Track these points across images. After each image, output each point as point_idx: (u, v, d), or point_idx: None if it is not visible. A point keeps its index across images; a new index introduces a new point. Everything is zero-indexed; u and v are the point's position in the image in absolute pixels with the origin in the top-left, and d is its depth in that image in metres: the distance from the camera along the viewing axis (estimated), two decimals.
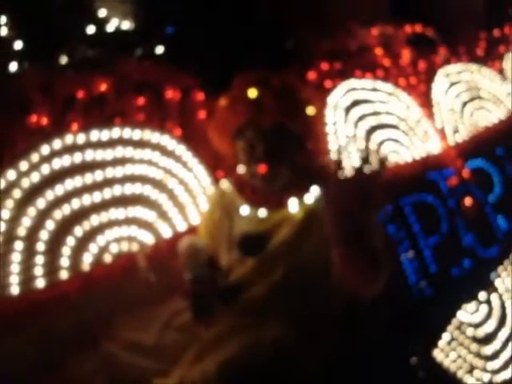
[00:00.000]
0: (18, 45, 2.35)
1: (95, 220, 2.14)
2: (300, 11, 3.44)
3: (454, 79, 3.97)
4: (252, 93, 2.11)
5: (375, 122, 3.04)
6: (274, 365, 2.00)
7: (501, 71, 4.69)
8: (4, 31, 2.37)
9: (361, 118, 2.95)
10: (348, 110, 2.91)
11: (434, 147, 3.46)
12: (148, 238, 2.32)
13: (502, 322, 3.08)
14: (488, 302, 3.10)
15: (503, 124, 4.15)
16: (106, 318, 2.18)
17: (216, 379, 1.92)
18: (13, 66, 2.27)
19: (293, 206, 2.19)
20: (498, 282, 3.24)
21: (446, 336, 2.65)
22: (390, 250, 2.48)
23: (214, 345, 2.06)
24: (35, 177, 1.99)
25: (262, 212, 2.21)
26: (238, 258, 2.19)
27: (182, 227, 2.41)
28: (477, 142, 3.80)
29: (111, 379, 2.15)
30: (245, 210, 2.22)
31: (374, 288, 1.99)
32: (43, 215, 2.01)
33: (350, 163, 2.72)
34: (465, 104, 3.93)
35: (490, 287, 3.17)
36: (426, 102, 3.60)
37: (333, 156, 2.68)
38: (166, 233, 2.37)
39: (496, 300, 3.14)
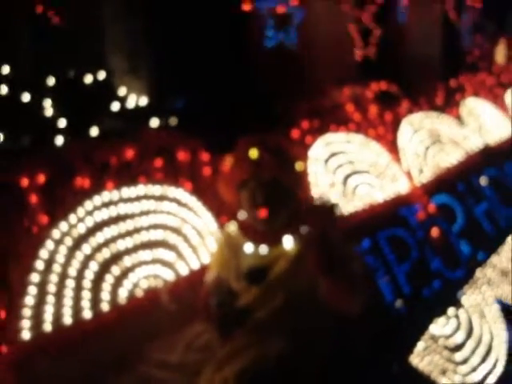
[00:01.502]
0: (62, 122, 2.87)
1: (128, 261, 2.63)
2: (284, 81, 4.04)
3: (417, 127, 4.59)
4: (253, 153, 2.66)
5: (350, 169, 3.61)
6: (279, 371, 2.48)
7: (458, 117, 5.35)
8: (50, 112, 2.90)
9: (338, 167, 3.52)
10: (326, 160, 3.48)
11: (403, 187, 4.03)
12: (169, 275, 2.81)
13: (469, 333, 3.59)
14: (456, 316, 3.61)
15: (462, 163, 4.77)
16: (138, 342, 2.64)
17: (236, 379, 2.39)
18: (59, 140, 2.80)
19: (287, 242, 2.71)
20: (464, 300, 3.76)
21: (420, 344, 3.15)
22: (367, 276, 3.03)
23: (231, 358, 2.54)
24: (81, 227, 2.49)
25: (263, 248, 2.72)
26: (245, 287, 2.69)
27: (195, 265, 2.90)
28: (439, 181, 4.40)
29: None
30: (248, 247, 2.72)
31: (354, 305, 2.51)
32: (88, 258, 2.50)
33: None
34: (427, 148, 4.54)
35: (458, 304, 3.69)
36: (393, 149, 4.19)
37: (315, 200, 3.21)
38: (183, 270, 2.86)
39: (463, 315, 3.66)
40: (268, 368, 2.50)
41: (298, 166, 2.79)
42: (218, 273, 2.75)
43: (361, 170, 3.72)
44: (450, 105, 5.38)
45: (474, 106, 5.69)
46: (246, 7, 3.74)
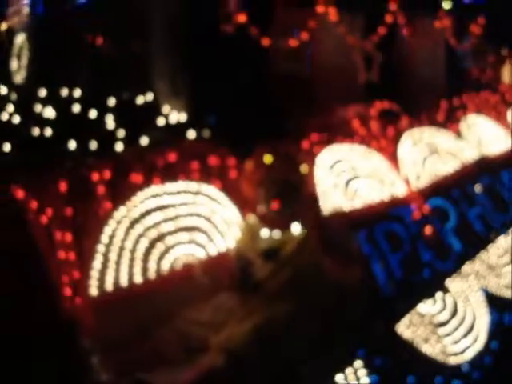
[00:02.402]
0: (121, 133, 3.67)
1: (170, 240, 3.39)
2: (296, 99, 4.79)
3: (416, 139, 5.26)
4: (268, 159, 3.43)
5: (352, 174, 4.32)
6: (287, 325, 3.20)
7: (458, 132, 6.00)
8: (111, 125, 3.71)
9: (341, 172, 4.23)
10: (331, 166, 4.20)
11: (400, 191, 4.71)
12: (201, 254, 3.55)
13: (453, 314, 4.22)
14: (443, 299, 4.25)
15: (457, 172, 5.41)
16: (177, 304, 3.38)
17: (253, 334, 3.11)
18: (119, 147, 3.59)
19: (295, 228, 3.45)
20: (451, 286, 4.40)
21: (407, 318, 3.81)
22: (362, 257, 3.74)
23: (247, 316, 3.27)
24: (135, 212, 3.27)
25: (276, 233, 3.46)
26: (262, 263, 3.43)
27: (222, 247, 3.64)
28: (435, 186, 5.05)
29: (183, 345, 3.32)
30: (265, 232, 3.47)
31: (350, 276, 3.23)
32: (140, 236, 3.26)
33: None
34: (425, 158, 5.20)
35: (445, 289, 4.33)
36: (394, 159, 4.88)
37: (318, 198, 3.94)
38: (213, 251, 3.61)
39: (449, 299, 4.30)
40: (277, 326, 3.22)
41: (303, 169, 3.55)
42: (241, 252, 3.51)
43: (362, 176, 4.42)
44: (451, 121, 6.02)
45: (474, 122, 6.32)
46: (265, 42, 4.56)
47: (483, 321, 4.39)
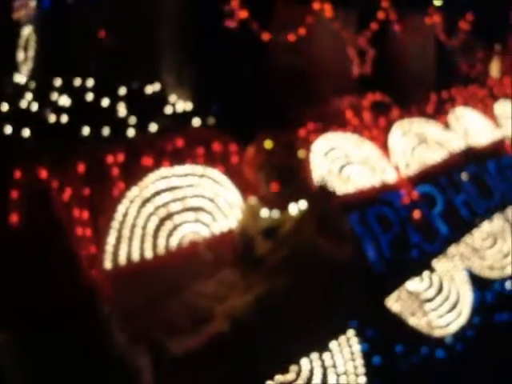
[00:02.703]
0: (132, 120, 3.95)
1: (178, 219, 3.67)
2: (294, 90, 5.08)
3: (406, 130, 5.57)
4: (268, 144, 3.71)
5: (345, 161, 4.62)
6: (285, 296, 3.50)
7: (446, 123, 6.31)
8: (123, 113, 3.99)
9: (335, 159, 4.53)
10: (326, 153, 4.50)
11: (391, 178, 5.01)
12: (206, 233, 3.84)
13: (439, 291, 4.54)
14: (430, 278, 4.57)
15: (445, 161, 5.73)
16: (184, 278, 3.66)
17: (255, 304, 3.40)
18: (130, 133, 3.87)
19: (292, 209, 3.74)
20: (437, 266, 4.72)
21: (396, 292, 4.12)
22: (353, 236, 4.04)
23: (249, 289, 3.56)
24: (146, 192, 3.55)
25: (275, 213, 3.75)
26: (262, 241, 3.72)
27: (225, 227, 3.93)
28: (423, 174, 5.37)
29: (190, 316, 3.61)
30: (265, 212, 3.76)
31: (342, 253, 3.53)
32: (150, 214, 3.55)
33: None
34: (414, 148, 5.51)
35: (432, 269, 4.65)
36: (384, 148, 5.18)
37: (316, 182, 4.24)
38: (217, 230, 3.89)
39: (436, 277, 4.62)
40: (276, 297, 3.51)
41: (301, 154, 3.85)
42: (243, 230, 3.80)
43: (354, 162, 4.72)
44: (439, 113, 6.33)
45: (462, 114, 6.63)
46: (266, 37, 4.88)
47: (467, 298, 4.71)
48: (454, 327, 4.41)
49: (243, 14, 4.60)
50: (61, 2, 6.56)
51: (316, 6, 5.06)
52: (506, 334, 4.65)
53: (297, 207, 3.71)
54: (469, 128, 6.59)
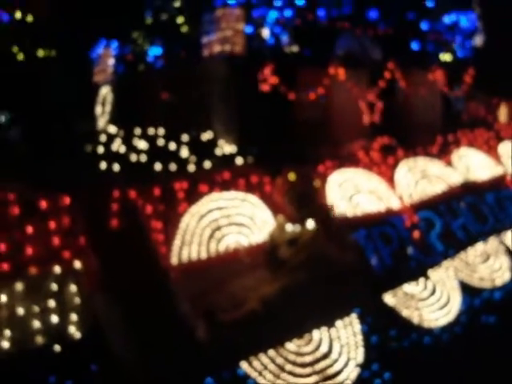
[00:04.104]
0: (193, 159, 5.42)
1: (225, 231, 5.02)
2: (315, 136, 6.44)
3: (411, 166, 6.79)
4: (291, 177, 5.08)
5: (355, 191, 5.89)
6: (303, 287, 4.76)
7: (450, 162, 7.48)
8: (185, 153, 5.49)
9: (347, 189, 5.81)
10: (340, 184, 5.79)
11: (395, 205, 6.23)
12: (245, 242, 5.15)
13: (432, 293, 5.66)
14: (424, 283, 5.71)
15: (445, 192, 6.89)
16: (229, 275, 4.96)
17: (279, 292, 4.66)
18: (191, 168, 5.33)
19: (309, 225, 5.05)
20: (432, 275, 5.85)
21: (393, 291, 5.29)
22: (358, 247, 5.29)
23: (276, 281, 4.85)
24: (202, 210, 4.93)
25: (296, 227, 5.07)
26: (286, 248, 5.03)
27: (259, 238, 5.24)
28: (424, 202, 6.55)
29: (231, 301, 4.89)
30: (289, 226, 5.08)
31: (347, 259, 4.81)
32: (205, 226, 4.91)
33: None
34: (417, 181, 6.72)
35: (427, 276, 5.78)
36: (391, 181, 6.42)
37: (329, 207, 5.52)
38: (253, 241, 5.21)
39: (430, 283, 5.75)
40: (296, 289, 4.78)
41: (316, 184, 5.19)
42: (273, 239, 5.11)
43: (363, 192, 5.98)
44: (444, 153, 7.53)
45: (465, 154, 7.80)
46: (291, 96, 6.35)
47: (456, 301, 5.80)
48: (442, 322, 5.49)
49: (274, 79, 6.04)
50: (133, 68, 8.24)
51: (332, 70, 6.44)
52: (491, 332, 5.70)
53: (312, 223, 5.02)
54: (470, 165, 7.74)
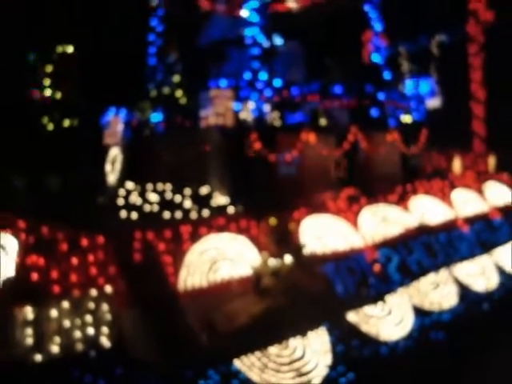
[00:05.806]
0: (194, 213, 6.83)
1: (220, 264, 6.36)
2: (291, 189, 7.93)
3: (372, 213, 8.23)
4: (272, 221, 6.50)
5: (325, 233, 7.28)
6: (282, 310, 6.08)
7: (406, 208, 8.94)
8: (188, 204, 6.92)
9: (317, 231, 7.21)
10: (311, 227, 7.19)
11: (359, 244, 7.62)
12: (237, 274, 6.49)
13: (388, 313, 6.98)
14: (382, 306, 7.03)
15: (402, 233, 8.31)
16: (223, 299, 6.27)
17: (261, 312, 5.99)
18: (193, 216, 6.73)
19: (287, 260, 6.44)
20: (389, 300, 7.18)
21: (355, 312, 6.61)
22: (324, 278, 6.66)
23: (258, 304, 6.17)
24: (202, 248, 6.29)
25: (277, 262, 6.44)
26: (269, 279, 6.38)
27: (247, 271, 6.58)
28: (384, 242, 7.95)
29: (224, 318, 6.19)
30: (272, 261, 6.46)
31: (316, 287, 6.20)
32: (205, 261, 6.26)
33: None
34: (378, 225, 8.14)
35: (384, 301, 7.11)
36: (355, 225, 7.83)
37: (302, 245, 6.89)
38: (243, 272, 6.54)
39: (387, 306, 7.07)
40: (276, 311, 6.09)
41: (292, 226, 6.61)
42: (258, 271, 6.46)
43: (331, 234, 7.38)
44: (402, 200, 9.00)
45: (421, 200, 9.28)
46: (272, 158, 7.91)
47: (409, 320, 7.13)
48: (396, 336, 6.81)
49: (258, 144, 7.58)
50: (139, 133, 9.77)
51: (304, 136, 8.02)
52: (438, 345, 7.02)
53: (290, 258, 6.40)
54: (425, 209, 9.20)
